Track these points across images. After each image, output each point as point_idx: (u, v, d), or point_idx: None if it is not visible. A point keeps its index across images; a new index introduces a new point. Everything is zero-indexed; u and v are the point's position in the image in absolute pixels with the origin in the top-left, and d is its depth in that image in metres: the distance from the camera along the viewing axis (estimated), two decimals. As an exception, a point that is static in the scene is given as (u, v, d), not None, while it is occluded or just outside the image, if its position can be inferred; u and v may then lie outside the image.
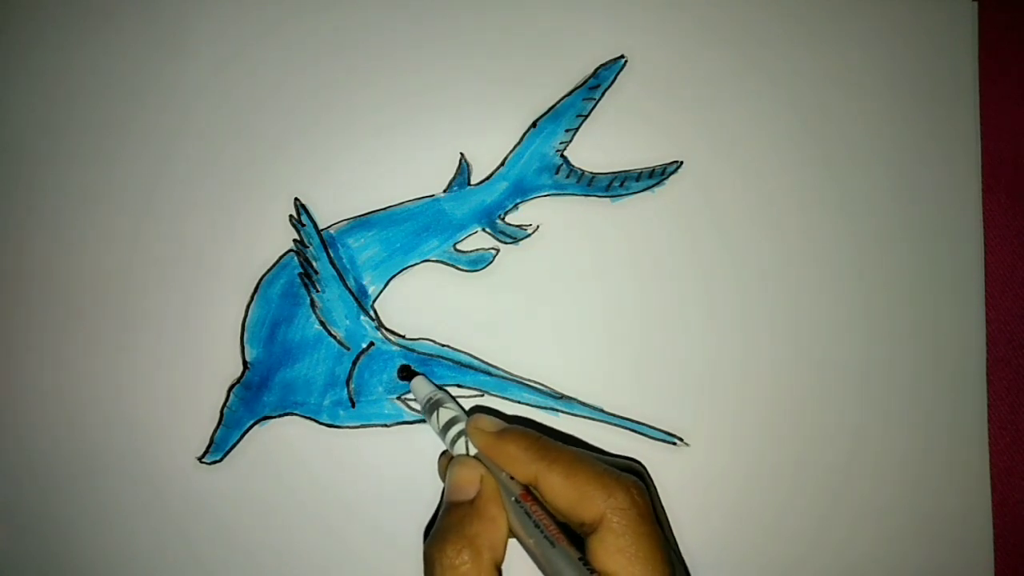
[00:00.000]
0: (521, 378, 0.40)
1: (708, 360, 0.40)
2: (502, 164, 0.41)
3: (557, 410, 0.39)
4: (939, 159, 0.42)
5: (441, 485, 0.38)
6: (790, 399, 0.40)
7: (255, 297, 0.40)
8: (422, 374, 0.38)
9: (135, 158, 0.41)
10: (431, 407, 0.37)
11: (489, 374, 0.39)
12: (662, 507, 0.39)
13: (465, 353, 0.40)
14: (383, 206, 0.40)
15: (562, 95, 0.41)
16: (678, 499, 0.40)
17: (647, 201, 0.41)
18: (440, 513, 0.33)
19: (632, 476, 0.32)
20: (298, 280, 0.40)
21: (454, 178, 0.41)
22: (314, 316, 0.39)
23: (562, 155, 0.41)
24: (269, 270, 0.40)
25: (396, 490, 0.39)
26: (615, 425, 0.39)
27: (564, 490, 0.31)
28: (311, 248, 0.40)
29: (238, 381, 0.39)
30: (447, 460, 0.35)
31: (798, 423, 0.40)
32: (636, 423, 0.39)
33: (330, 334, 0.39)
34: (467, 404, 0.39)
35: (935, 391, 0.41)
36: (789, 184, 0.41)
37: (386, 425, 0.39)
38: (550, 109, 0.41)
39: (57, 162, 0.41)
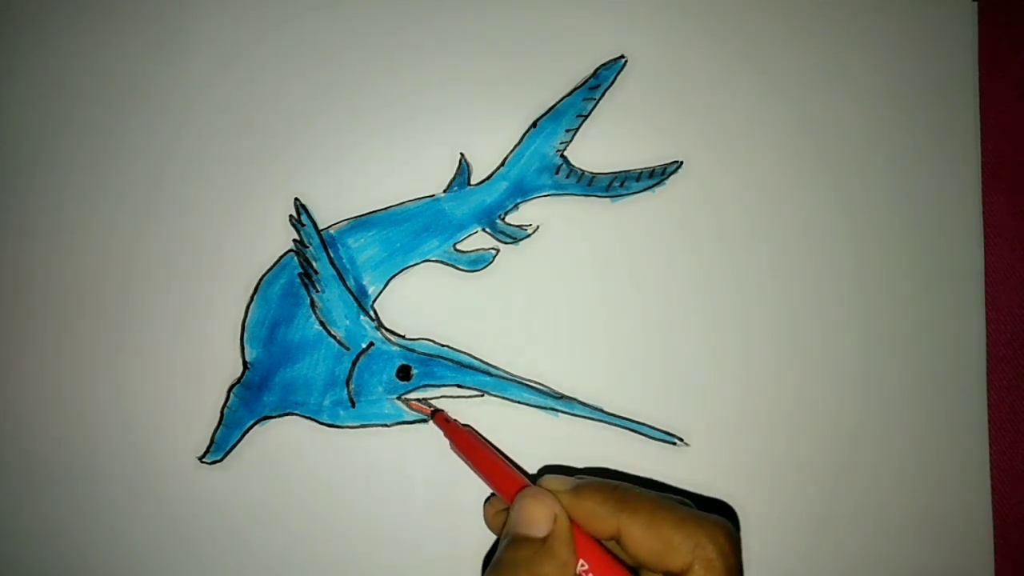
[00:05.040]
0: (521, 378, 0.40)
1: (708, 360, 0.40)
2: (502, 164, 0.41)
3: (557, 410, 0.39)
4: (939, 159, 0.42)
5: (440, 488, 0.38)
6: (790, 399, 0.40)
7: (255, 297, 0.40)
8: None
9: (135, 159, 0.41)
10: None
11: (489, 374, 0.39)
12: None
13: (465, 353, 0.40)
14: (383, 206, 0.40)
15: (562, 95, 0.41)
16: (678, 499, 0.40)
17: (647, 201, 0.41)
18: (503, 545, 0.31)
19: (717, 519, 0.30)
20: (298, 280, 0.40)
21: (454, 178, 0.41)
22: (314, 316, 0.39)
23: (562, 155, 0.41)
24: (269, 270, 0.40)
25: (396, 490, 0.39)
26: (615, 425, 0.39)
27: (647, 541, 0.29)
28: (311, 248, 0.40)
29: (238, 381, 0.39)
30: (495, 505, 0.34)
31: (798, 423, 0.40)
32: (636, 423, 0.39)
33: (330, 334, 0.39)
34: (467, 404, 0.39)
35: (935, 391, 0.41)
36: (789, 184, 0.41)
37: (386, 425, 0.39)
38: (550, 109, 0.41)
39: (57, 162, 0.41)
